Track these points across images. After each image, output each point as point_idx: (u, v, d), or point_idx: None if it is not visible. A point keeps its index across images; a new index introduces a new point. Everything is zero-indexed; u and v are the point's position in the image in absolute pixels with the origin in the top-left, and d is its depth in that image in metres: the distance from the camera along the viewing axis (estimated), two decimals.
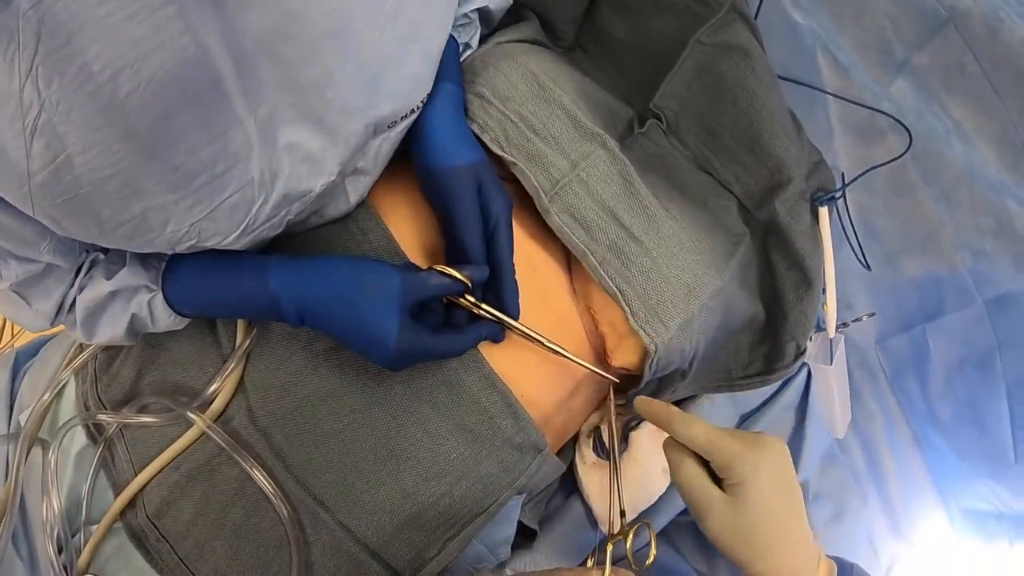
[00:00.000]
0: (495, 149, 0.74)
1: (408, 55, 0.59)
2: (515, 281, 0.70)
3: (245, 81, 0.50)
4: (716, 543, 0.59)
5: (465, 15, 0.77)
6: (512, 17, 0.91)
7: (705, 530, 0.60)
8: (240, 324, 0.74)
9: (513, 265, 0.70)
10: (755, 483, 0.57)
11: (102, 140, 0.47)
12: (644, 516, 0.87)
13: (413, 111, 0.65)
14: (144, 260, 0.67)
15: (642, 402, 0.66)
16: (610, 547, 0.68)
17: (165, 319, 0.68)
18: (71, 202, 0.50)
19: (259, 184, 0.56)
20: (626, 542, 0.72)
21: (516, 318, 0.70)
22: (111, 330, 0.68)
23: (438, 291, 0.65)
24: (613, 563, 0.65)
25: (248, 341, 0.73)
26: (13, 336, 1.27)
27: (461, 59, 0.79)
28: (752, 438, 0.60)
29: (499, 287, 0.69)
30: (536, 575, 0.62)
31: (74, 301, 0.66)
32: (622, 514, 0.77)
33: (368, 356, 0.65)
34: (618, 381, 0.79)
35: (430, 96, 0.67)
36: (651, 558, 0.71)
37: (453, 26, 0.74)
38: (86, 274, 0.66)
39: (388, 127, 0.63)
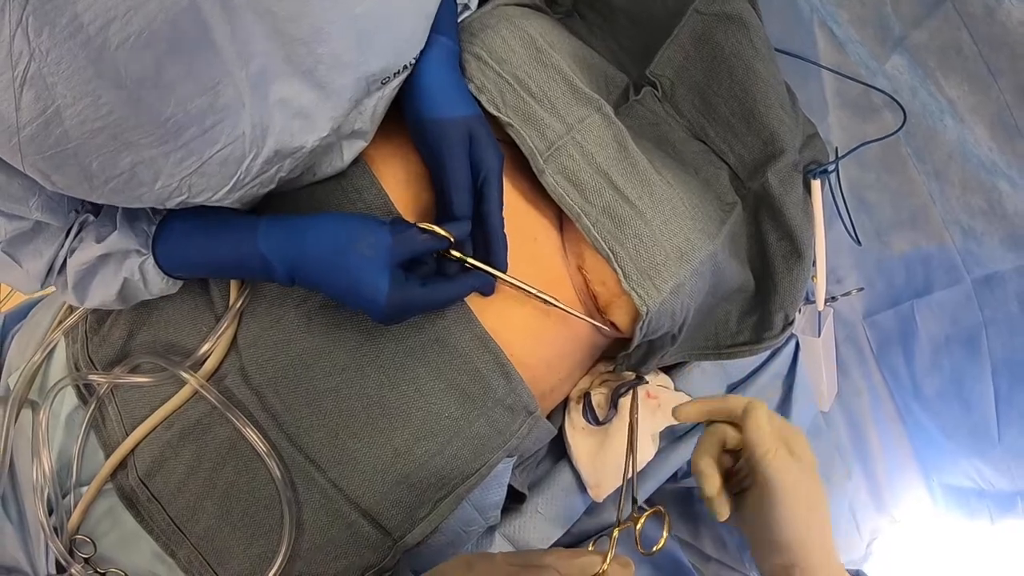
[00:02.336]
0: (491, 110, 0.74)
1: (402, 11, 0.59)
2: (504, 235, 0.70)
3: (236, 35, 0.49)
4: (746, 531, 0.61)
5: None
6: None
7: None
8: (233, 283, 0.74)
9: (502, 219, 0.69)
10: (789, 475, 0.58)
11: (92, 92, 0.47)
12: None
13: (406, 67, 0.64)
14: (134, 224, 0.67)
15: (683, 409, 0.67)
16: (616, 533, 0.67)
17: (158, 283, 0.68)
18: (60, 155, 0.50)
19: (250, 139, 0.56)
20: (636, 527, 0.72)
21: (504, 271, 0.70)
22: (103, 294, 0.68)
23: (424, 247, 0.65)
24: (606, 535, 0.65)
25: (241, 300, 0.73)
26: (1, 300, 1.26)
27: (460, 20, 0.79)
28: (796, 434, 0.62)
29: (487, 240, 0.69)
30: (533, 555, 0.62)
31: (65, 262, 0.66)
32: (633, 500, 0.77)
33: (362, 311, 0.65)
34: (614, 328, 0.79)
35: (424, 50, 0.67)
36: (661, 543, 0.71)
37: None
38: (76, 236, 0.66)
39: (382, 83, 0.63)
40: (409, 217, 0.73)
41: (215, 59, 0.50)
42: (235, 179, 0.58)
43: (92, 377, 0.76)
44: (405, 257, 0.64)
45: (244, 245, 0.64)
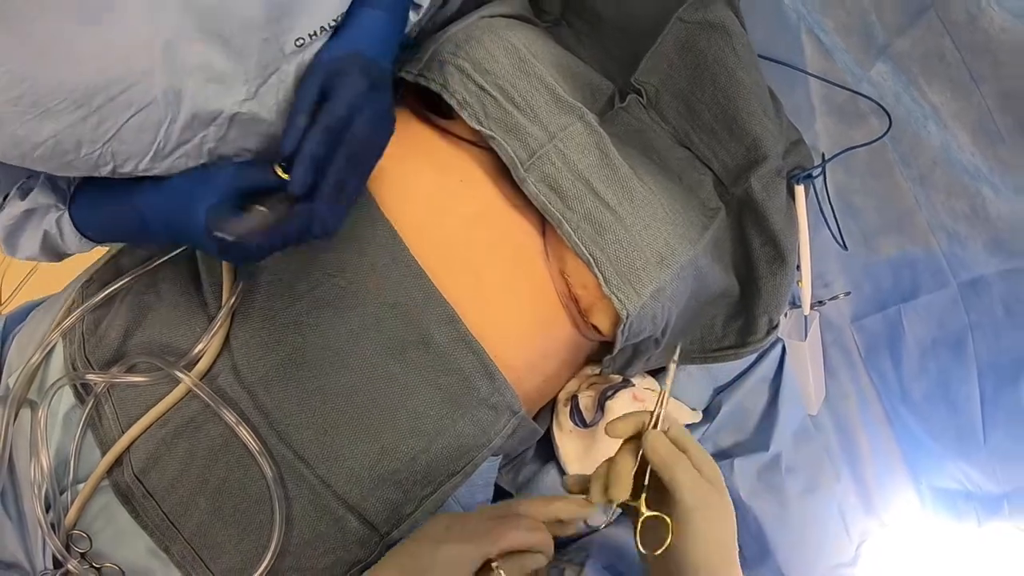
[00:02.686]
0: (473, 124, 0.76)
1: None
2: (337, 195, 0.64)
3: (149, 3, 0.53)
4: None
5: None
6: None
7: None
8: (225, 283, 0.76)
9: (342, 183, 0.64)
10: (706, 514, 0.59)
11: (6, 61, 0.51)
12: None
13: (323, 29, 0.64)
14: (54, 181, 0.70)
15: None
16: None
17: (73, 240, 0.73)
18: None
19: (163, 104, 0.58)
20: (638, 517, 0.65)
21: (326, 233, 0.65)
22: (30, 248, 0.74)
23: (250, 180, 0.64)
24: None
25: (233, 299, 0.75)
26: (1, 303, 1.28)
27: (421, 16, 0.78)
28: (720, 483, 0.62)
29: (314, 196, 0.63)
30: (508, 505, 0.64)
31: None
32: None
33: (202, 248, 0.68)
34: (596, 332, 0.80)
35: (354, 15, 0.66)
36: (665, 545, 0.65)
37: None
38: (7, 197, 0.71)
39: (297, 46, 0.63)
40: (404, 224, 0.75)
41: (125, 26, 0.53)
42: (155, 146, 0.61)
43: (89, 376, 0.77)
44: (234, 191, 0.64)
45: (128, 205, 0.68)
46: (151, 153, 0.61)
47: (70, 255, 0.77)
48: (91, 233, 0.73)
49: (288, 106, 0.66)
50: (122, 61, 0.54)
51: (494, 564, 0.59)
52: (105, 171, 0.62)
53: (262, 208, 0.65)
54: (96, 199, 0.71)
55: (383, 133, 0.67)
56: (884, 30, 0.92)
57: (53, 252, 0.76)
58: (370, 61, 0.65)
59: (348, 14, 0.67)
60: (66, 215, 0.71)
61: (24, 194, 0.71)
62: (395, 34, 0.71)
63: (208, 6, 0.56)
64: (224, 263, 0.76)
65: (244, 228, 0.64)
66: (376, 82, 0.65)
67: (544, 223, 0.81)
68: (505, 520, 0.61)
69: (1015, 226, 0.89)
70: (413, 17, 0.76)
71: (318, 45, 0.65)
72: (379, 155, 0.68)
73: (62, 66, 0.53)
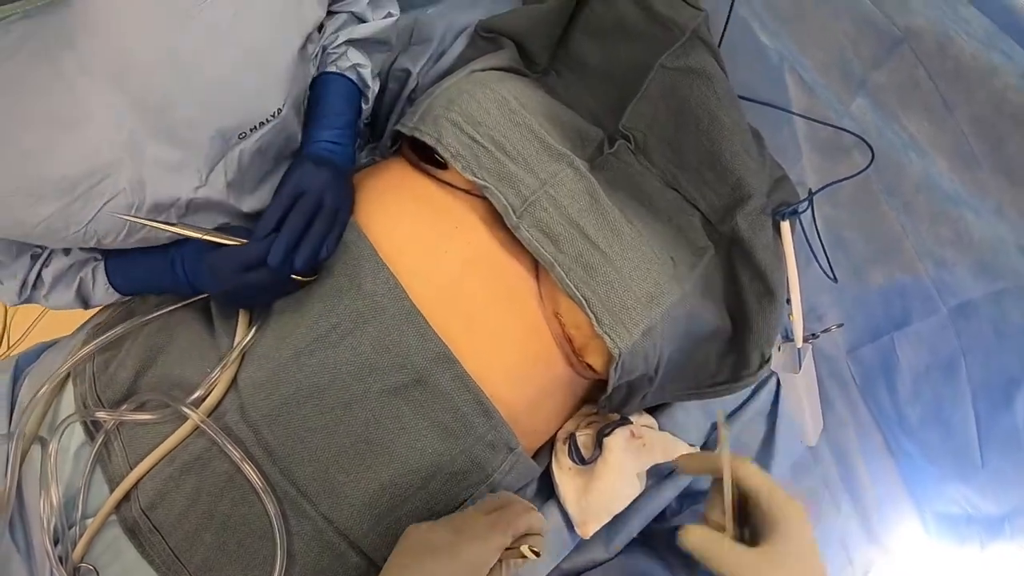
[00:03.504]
0: (467, 175, 0.80)
1: (243, 73, 0.70)
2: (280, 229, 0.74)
3: (108, 109, 0.65)
4: None
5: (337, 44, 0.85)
6: (491, 44, 0.95)
7: None
8: (240, 324, 0.80)
9: (280, 220, 0.74)
10: (798, 540, 0.59)
11: (5, 158, 0.63)
12: (618, 519, 0.91)
13: (263, 123, 0.74)
14: None
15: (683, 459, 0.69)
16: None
17: (102, 289, 0.84)
18: None
19: (130, 192, 0.70)
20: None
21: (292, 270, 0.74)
22: (66, 297, 0.85)
23: (234, 255, 0.74)
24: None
25: (248, 339, 0.78)
26: (10, 347, 1.30)
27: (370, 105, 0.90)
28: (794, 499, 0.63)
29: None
30: (501, 498, 0.68)
31: (38, 277, 0.83)
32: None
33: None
34: (590, 370, 0.82)
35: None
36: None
37: (328, 58, 0.85)
38: (47, 255, 0.82)
39: (240, 137, 0.74)
40: (396, 262, 0.79)
41: (93, 130, 0.65)
42: (127, 227, 0.73)
43: (99, 414, 0.80)
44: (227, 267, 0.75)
45: (166, 267, 0.81)
46: (124, 231, 0.74)
47: (95, 306, 0.88)
48: (119, 281, 0.84)
49: (236, 183, 0.77)
50: (95, 156, 0.67)
51: (520, 547, 0.63)
52: (92, 243, 0.74)
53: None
54: (130, 255, 0.83)
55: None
56: (861, 64, 0.94)
57: (83, 300, 0.86)
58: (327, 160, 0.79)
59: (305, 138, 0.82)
60: (101, 265, 0.83)
61: (67, 251, 0.83)
62: (352, 141, 0.85)
63: (153, 110, 0.67)
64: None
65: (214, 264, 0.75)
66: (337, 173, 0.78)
67: (537, 266, 0.84)
68: (504, 512, 0.65)
69: (997, 248, 0.90)
70: (365, 105, 0.90)
71: (261, 134, 0.75)
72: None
73: (49, 164, 0.65)
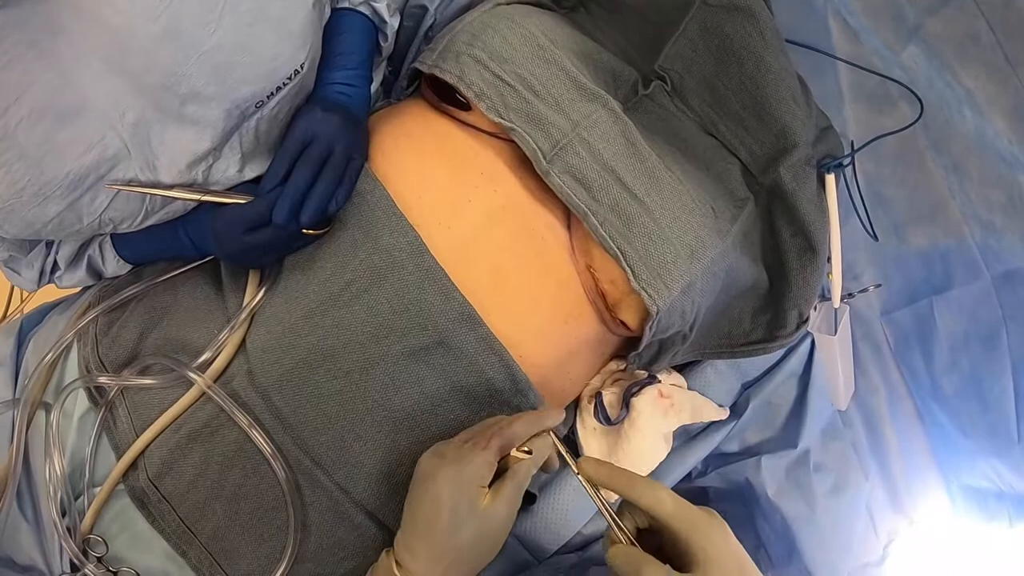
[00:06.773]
0: (493, 117, 0.74)
1: (257, 36, 0.63)
2: (290, 187, 0.69)
3: (108, 96, 0.60)
4: None
5: None
6: None
7: None
8: (250, 284, 0.75)
9: (284, 175, 0.70)
10: (719, 558, 0.53)
11: (5, 164, 0.60)
12: None
13: (280, 88, 0.67)
14: None
15: (589, 464, 0.61)
16: None
17: (112, 262, 0.83)
18: (3, 212, 0.64)
19: (143, 177, 0.67)
20: None
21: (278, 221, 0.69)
22: (79, 275, 0.84)
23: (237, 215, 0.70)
24: None
25: (257, 299, 0.74)
26: (23, 301, 1.27)
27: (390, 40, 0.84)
28: (708, 511, 0.57)
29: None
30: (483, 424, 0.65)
31: (55, 264, 0.82)
32: None
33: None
34: (623, 327, 0.78)
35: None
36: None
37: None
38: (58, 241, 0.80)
39: (256, 107, 0.67)
40: (414, 214, 0.74)
41: (95, 119, 0.61)
42: (144, 210, 0.70)
43: (101, 379, 0.77)
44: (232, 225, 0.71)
45: (171, 234, 0.77)
46: (141, 214, 0.71)
47: (109, 277, 0.87)
48: (127, 254, 0.82)
49: (250, 153, 0.72)
50: (100, 147, 0.63)
51: (514, 452, 0.61)
52: (108, 231, 0.72)
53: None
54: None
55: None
56: (915, 11, 0.89)
57: (96, 274, 0.86)
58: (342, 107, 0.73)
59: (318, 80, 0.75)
60: (108, 239, 0.81)
61: None
62: (367, 83, 0.79)
63: (158, 88, 0.61)
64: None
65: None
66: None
67: (569, 216, 0.79)
68: (480, 434, 0.62)
69: None
70: (384, 43, 0.83)
71: (277, 100, 0.69)
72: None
73: (52, 162, 0.62)
